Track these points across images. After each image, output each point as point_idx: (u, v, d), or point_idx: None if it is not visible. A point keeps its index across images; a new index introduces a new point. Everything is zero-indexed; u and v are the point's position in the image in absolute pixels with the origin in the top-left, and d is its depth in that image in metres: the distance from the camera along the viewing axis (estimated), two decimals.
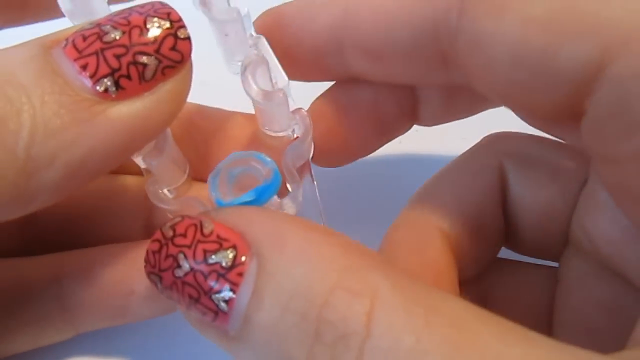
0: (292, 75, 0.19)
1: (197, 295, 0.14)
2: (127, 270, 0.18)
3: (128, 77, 0.14)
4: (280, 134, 0.19)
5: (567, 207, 0.20)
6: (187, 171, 0.19)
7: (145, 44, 0.14)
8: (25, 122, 0.13)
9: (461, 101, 0.22)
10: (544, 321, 0.20)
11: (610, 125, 0.15)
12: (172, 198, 0.17)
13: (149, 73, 0.14)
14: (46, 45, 0.14)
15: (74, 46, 0.14)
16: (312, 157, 0.20)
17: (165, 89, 0.14)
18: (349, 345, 0.12)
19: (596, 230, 0.19)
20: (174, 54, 0.14)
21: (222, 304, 0.13)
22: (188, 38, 0.14)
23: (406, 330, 0.12)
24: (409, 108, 0.22)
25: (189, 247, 0.14)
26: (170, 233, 0.14)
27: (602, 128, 0.15)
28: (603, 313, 0.18)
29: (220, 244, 0.13)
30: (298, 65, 0.20)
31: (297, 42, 0.19)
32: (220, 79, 0.21)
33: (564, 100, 0.16)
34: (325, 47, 0.19)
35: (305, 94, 0.21)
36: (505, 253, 0.22)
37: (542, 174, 0.20)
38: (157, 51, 0.14)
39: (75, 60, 0.14)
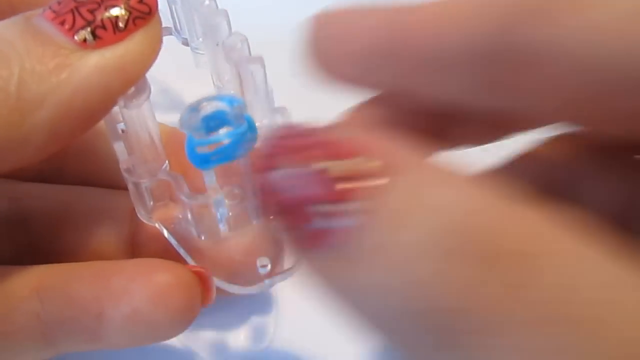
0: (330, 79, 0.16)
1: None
2: (97, 290, 0.17)
3: (103, 27, 0.15)
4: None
5: None
6: (166, 167, 0.19)
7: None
8: (14, 68, 0.14)
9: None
10: None
11: None
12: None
13: (121, 23, 0.15)
14: (26, 16, 0.15)
15: (51, 9, 0.15)
16: None
17: (138, 36, 0.16)
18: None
19: None
20: (142, 6, 0.16)
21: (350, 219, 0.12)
22: None
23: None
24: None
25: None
26: None
27: None
28: None
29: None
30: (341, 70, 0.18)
31: (341, 44, 0.17)
32: None
33: None
34: (372, 50, 0.17)
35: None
36: None
37: None
38: (127, 4, 0.16)
39: (53, 19, 0.15)
